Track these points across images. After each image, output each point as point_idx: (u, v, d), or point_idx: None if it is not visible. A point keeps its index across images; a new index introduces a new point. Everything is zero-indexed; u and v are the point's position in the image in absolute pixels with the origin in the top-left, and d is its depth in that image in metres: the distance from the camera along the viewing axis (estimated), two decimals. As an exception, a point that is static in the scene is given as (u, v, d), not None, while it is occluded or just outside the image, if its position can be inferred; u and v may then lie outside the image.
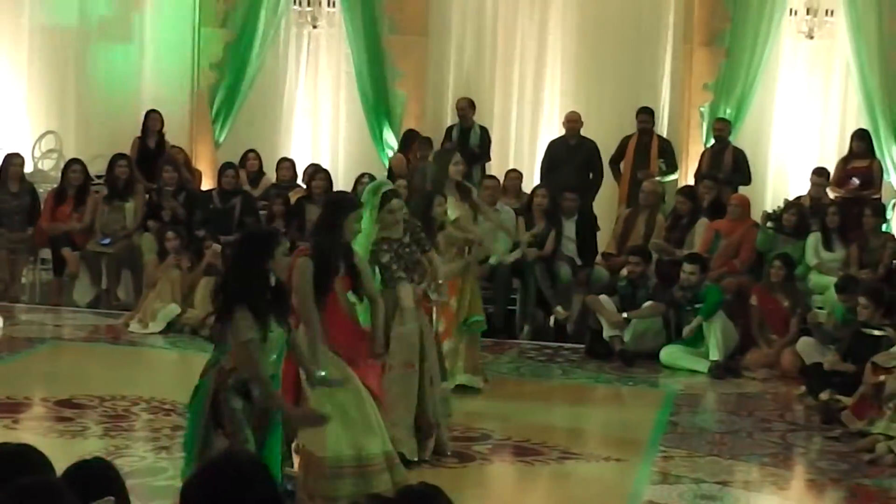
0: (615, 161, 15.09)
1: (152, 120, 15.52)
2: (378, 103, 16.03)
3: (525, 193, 14.09)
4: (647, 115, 14.95)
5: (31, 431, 9.03)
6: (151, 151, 15.31)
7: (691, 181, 14.67)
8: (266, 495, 3.66)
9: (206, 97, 16.50)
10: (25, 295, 14.07)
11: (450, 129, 15.46)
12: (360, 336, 7.88)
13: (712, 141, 14.94)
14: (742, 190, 14.34)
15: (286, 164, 15.16)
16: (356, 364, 7.64)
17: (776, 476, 8.75)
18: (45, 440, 8.68)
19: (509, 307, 13.05)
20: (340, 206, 7.95)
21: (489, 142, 15.35)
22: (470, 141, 15.18)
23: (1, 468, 3.70)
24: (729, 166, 14.53)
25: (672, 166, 15.04)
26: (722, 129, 14.72)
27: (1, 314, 13.17)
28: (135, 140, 15.51)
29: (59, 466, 3.97)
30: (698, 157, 15.06)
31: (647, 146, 14.93)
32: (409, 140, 15.09)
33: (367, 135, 16.02)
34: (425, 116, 16.15)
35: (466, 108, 15.29)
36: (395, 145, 15.92)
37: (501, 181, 14.11)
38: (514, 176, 14.47)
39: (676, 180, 15.16)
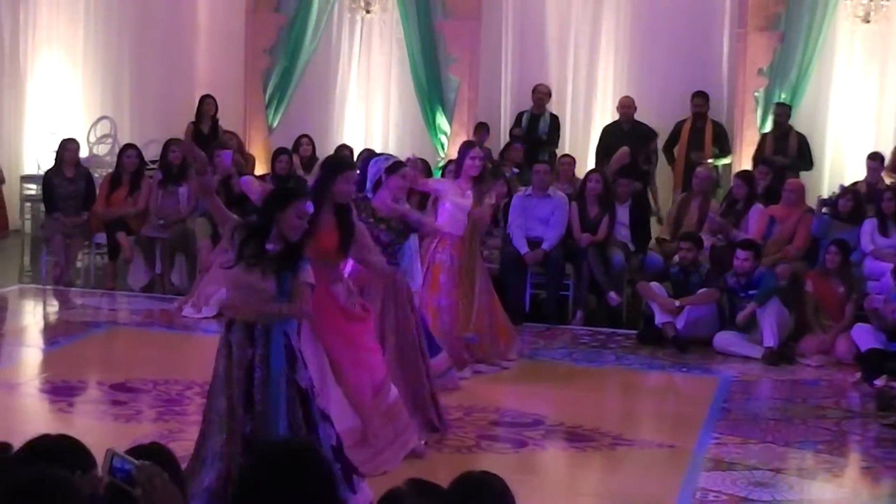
0: (669, 146, 15.05)
1: (207, 105, 15.62)
2: (431, 88, 16.03)
3: (578, 179, 14.06)
4: (701, 99, 14.92)
5: (86, 415, 9.11)
6: (205, 136, 15.38)
7: (746, 165, 14.59)
8: (320, 481, 3.67)
9: (260, 82, 16.56)
10: (80, 279, 14.17)
11: (520, 115, 15.48)
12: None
13: (768, 125, 14.85)
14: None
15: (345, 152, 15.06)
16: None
17: (830, 463, 8.69)
18: (100, 423, 8.75)
19: (562, 293, 13.01)
20: (333, 166, 8.14)
21: (558, 130, 15.40)
22: (539, 128, 15.21)
23: (42, 460, 3.72)
24: (794, 151, 14.44)
25: (725, 150, 15.00)
26: (782, 113, 14.62)
27: (55, 298, 13.31)
28: (189, 125, 15.61)
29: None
30: (752, 142, 14.98)
31: (702, 130, 14.90)
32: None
33: (419, 120, 16.04)
34: (479, 101, 16.14)
35: (545, 94, 15.34)
36: (448, 130, 15.94)
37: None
38: (568, 161, 14.45)
39: (729, 165, 15.12)
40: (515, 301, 12.67)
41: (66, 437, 4.00)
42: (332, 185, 7.83)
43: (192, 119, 15.69)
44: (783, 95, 15.06)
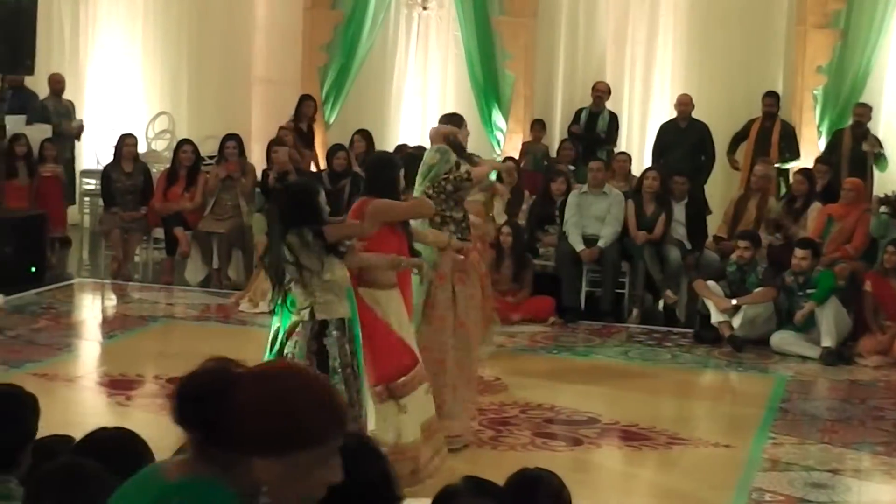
0: (735, 144, 14.90)
1: (307, 106, 15.70)
2: (487, 85, 16.03)
3: (634, 176, 14.02)
4: (772, 99, 14.77)
5: (143, 409, 9.16)
6: (304, 134, 15.48)
7: (804, 164, 14.46)
8: (375, 474, 3.67)
9: (317, 79, 16.62)
10: (138, 274, 14.25)
11: (579, 112, 15.45)
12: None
13: (827, 124, 14.75)
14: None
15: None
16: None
17: (888, 465, 8.61)
18: (156, 417, 8.78)
19: (618, 291, 12.97)
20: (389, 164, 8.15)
21: (616, 128, 15.37)
22: (597, 126, 15.17)
23: (100, 453, 3.76)
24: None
25: (794, 152, 14.81)
26: (862, 113, 14.46)
27: (113, 292, 13.40)
28: (289, 122, 15.72)
29: (170, 443, 4.01)
30: (811, 140, 14.89)
31: (770, 130, 14.74)
32: None
33: (475, 117, 16.01)
34: (535, 98, 16.12)
35: (604, 92, 15.29)
36: (504, 127, 15.94)
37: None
38: (623, 159, 14.40)
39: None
40: (571, 299, 12.65)
41: (123, 429, 4.04)
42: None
43: (291, 118, 15.79)
44: (843, 93, 14.95)
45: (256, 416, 2.63)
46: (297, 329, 6.93)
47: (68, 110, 15.70)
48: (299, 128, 15.65)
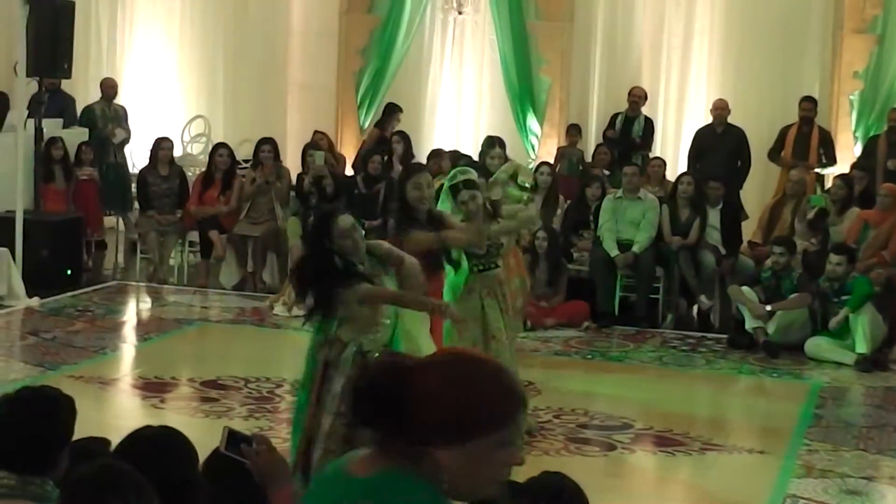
0: (775, 152, 14.79)
1: (395, 119, 15.74)
2: (522, 90, 16.02)
3: (669, 181, 13.99)
4: (810, 104, 14.61)
5: (178, 411, 9.21)
6: (387, 140, 15.53)
7: (841, 169, 14.38)
8: None
9: (353, 83, 16.65)
10: (174, 277, 14.31)
11: (614, 117, 15.41)
12: None
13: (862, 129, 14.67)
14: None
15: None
16: None
17: (924, 472, 8.59)
18: (191, 420, 8.84)
19: (652, 296, 12.95)
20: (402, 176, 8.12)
21: (652, 133, 15.32)
22: (633, 130, 15.15)
23: (144, 451, 3.78)
24: None
25: (831, 157, 14.71)
26: None
27: (148, 295, 13.47)
28: (372, 130, 15.75)
29: (205, 445, 4.04)
30: (847, 146, 14.82)
31: (808, 136, 14.61)
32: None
33: (510, 121, 16.02)
34: (570, 103, 16.11)
35: (640, 98, 15.26)
36: (539, 132, 15.93)
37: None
38: (658, 164, 14.36)
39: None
40: (605, 303, 12.64)
41: (167, 427, 4.07)
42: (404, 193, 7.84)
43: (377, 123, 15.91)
44: (879, 99, 14.87)
45: (436, 406, 2.65)
46: (338, 350, 6.79)
47: (118, 114, 15.70)
48: (383, 135, 15.67)
